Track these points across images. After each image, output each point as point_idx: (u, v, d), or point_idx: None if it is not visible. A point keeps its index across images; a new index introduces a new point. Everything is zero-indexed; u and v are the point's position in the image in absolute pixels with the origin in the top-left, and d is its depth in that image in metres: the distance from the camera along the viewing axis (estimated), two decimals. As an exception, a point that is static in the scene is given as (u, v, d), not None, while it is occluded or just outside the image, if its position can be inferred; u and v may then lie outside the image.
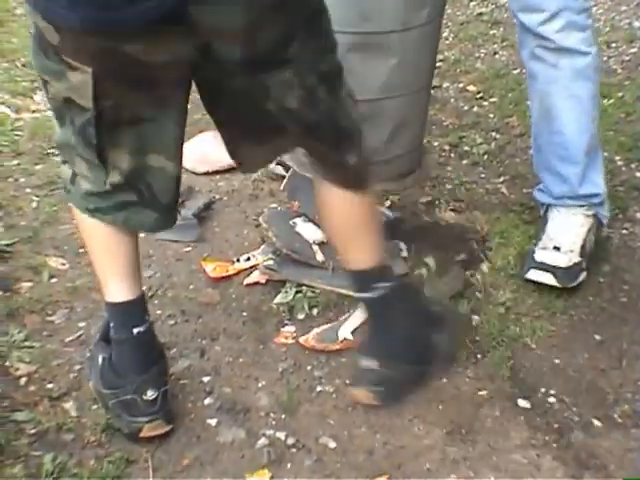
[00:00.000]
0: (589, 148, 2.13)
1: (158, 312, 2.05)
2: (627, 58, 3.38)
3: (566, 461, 1.68)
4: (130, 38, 1.29)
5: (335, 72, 1.57)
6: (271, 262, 2.13)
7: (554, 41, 2.02)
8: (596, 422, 1.78)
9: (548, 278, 2.09)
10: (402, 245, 2.22)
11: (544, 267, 2.10)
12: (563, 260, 2.10)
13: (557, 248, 2.13)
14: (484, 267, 2.19)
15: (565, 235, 2.16)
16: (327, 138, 1.60)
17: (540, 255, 2.12)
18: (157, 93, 1.44)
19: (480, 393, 1.85)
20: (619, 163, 2.66)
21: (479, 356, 1.94)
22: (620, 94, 3.06)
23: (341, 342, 1.95)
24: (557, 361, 1.94)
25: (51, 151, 2.72)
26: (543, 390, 1.86)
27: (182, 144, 1.62)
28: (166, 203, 1.63)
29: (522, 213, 2.44)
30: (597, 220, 2.22)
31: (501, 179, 2.62)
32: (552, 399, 1.84)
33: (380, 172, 2.07)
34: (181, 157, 1.63)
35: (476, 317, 2.04)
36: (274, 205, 2.47)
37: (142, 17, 1.23)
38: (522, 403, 1.82)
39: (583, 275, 2.13)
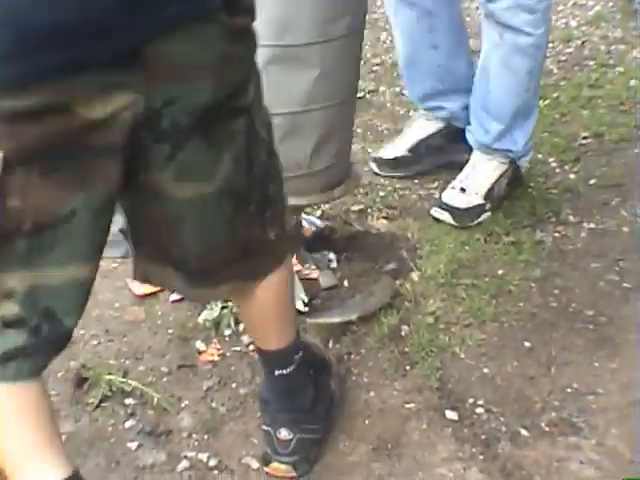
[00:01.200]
0: (517, 112, 2.35)
1: (82, 332, 2.00)
2: (563, 58, 3.37)
3: (492, 473, 1.67)
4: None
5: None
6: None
7: (499, 18, 2.22)
8: (523, 432, 1.77)
9: (446, 217, 2.36)
10: (331, 256, 2.19)
11: (445, 207, 2.34)
12: (463, 201, 2.35)
13: (463, 189, 2.38)
14: (414, 276, 2.17)
15: (474, 178, 2.40)
16: (252, 209, 1.37)
17: (445, 195, 2.40)
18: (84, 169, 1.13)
19: (407, 406, 1.83)
20: (552, 165, 2.65)
21: (407, 367, 1.93)
22: (555, 94, 3.05)
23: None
24: (486, 370, 1.93)
25: None
26: (471, 400, 1.84)
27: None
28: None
29: (455, 219, 2.42)
30: (514, 166, 2.44)
31: (435, 184, 2.60)
32: (480, 409, 1.82)
33: (306, 185, 2.04)
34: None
35: (405, 327, 2.02)
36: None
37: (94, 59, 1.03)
38: (450, 415, 1.81)
39: (484, 216, 2.37)
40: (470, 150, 2.48)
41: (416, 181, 2.62)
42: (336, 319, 2.01)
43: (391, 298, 2.07)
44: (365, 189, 2.54)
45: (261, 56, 1.87)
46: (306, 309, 2.01)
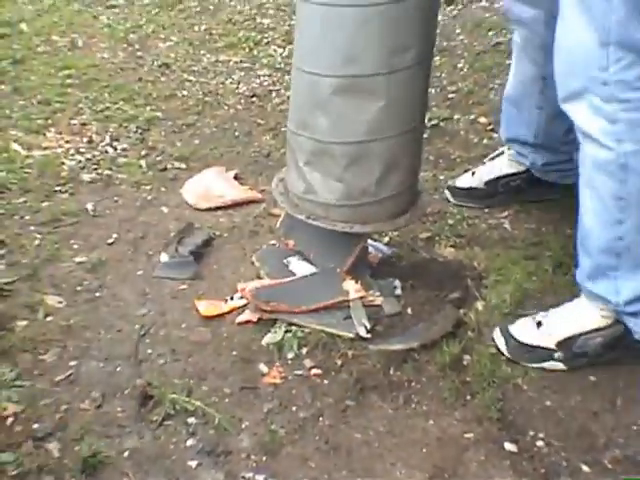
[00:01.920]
0: (610, 251, 1.87)
1: (149, 351, 2.06)
2: None
3: (550, 508, 1.65)
4: None
5: None
6: (262, 289, 2.14)
7: (575, 120, 1.84)
8: (584, 467, 1.74)
9: (501, 343, 2.02)
10: (397, 283, 2.20)
11: (504, 331, 2.04)
12: (525, 335, 2.00)
13: (540, 324, 2.01)
14: (478, 305, 2.16)
15: (560, 316, 2.02)
16: None
17: (518, 321, 2.05)
18: None
19: (466, 436, 1.81)
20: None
21: (468, 397, 1.91)
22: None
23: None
24: (548, 403, 1.90)
25: (58, 188, 2.75)
26: (532, 433, 1.82)
27: None
28: None
29: (523, 249, 2.39)
30: (621, 325, 1.96)
31: (505, 214, 2.58)
32: (540, 442, 1.80)
33: (371, 213, 2.07)
34: None
35: (467, 357, 2.01)
36: (273, 242, 2.46)
37: None
38: (509, 447, 1.79)
39: (549, 364, 1.99)
40: (552, 191, 2.41)
41: (486, 210, 2.61)
42: (398, 346, 2.01)
43: (454, 327, 2.07)
44: (434, 217, 2.55)
45: (328, 86, 1.93)
46: (368, 335, 2.02)
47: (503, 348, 2.02)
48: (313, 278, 2.15)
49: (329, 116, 1.97)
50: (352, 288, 2.10)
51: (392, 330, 2.07)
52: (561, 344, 1.98)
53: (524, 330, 2.02)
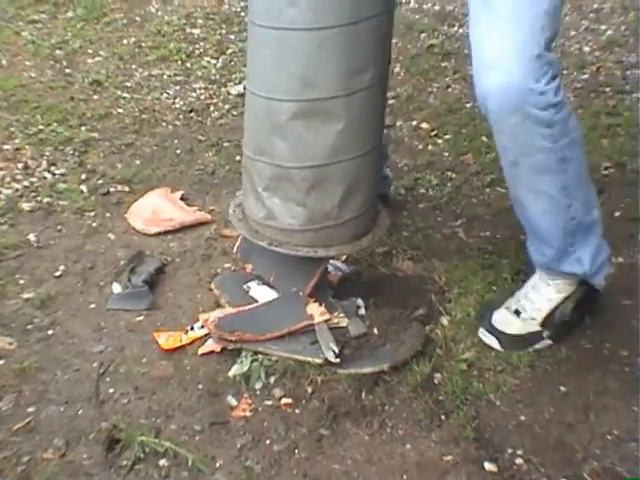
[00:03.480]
0: (568, 231, 1.96)
1: (110, 391, 1.98)
2: (579, 85, 3.35)
3: (537, 527, 1.64)
4: None
5: None
6: (225, 318, 2.08)
7: (511, 139, 1.85)
8: (565, 482, 1.73)
9: (494, 342, 2.06)
10: (359, 302, 2.16)
11: (492, 330, 2.07)
12: (515, 326, 2.06)
13: (517, 312, 2.08)
14: (444, 320, 2.14)
15: (533, 300, 2.08)
16: None
17: (497, 316, 2.09)
18: None
19: (445, 458, 1.79)
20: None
21: (443, 417, 1.89)
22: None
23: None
24: (523, 418, 1.89)
25: (-1, 220, 2.64)
26: (510, 451, 1.81)
27: None
28: None
29: (480, 258, 2.39)
30: (585, 287, 2.08)
31: (458, 222, 2.58)
32: (519, 460, 1.79)
33: (334, 236, 2.03)
34: None
35: (438, 375, 1.99)
36: (228, 265, 2.41)
37: None
38: (489, 466, 1.77)
39: (542, 344, 2.06)
40: None
41: (439, 219, 2.60)
42: (368, 369, 1.98)
43: (422, 345, 2.04)
44: (388, 229, 2.51)
45: (285, 111, 1.89)
46: (337, 360, 1.97)
47: (497, 346, 2.06)
48: (276, 304, 2.11)
49: (288, 141, 1.92)
50: (316, 311, 2.05)
51: (360, 352, 2.04)
52: (544, 323, 2.07)
53: (508, 323, 2.07)
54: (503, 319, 2.07)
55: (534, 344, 2.06)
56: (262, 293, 2.15)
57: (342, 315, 2.09)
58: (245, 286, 2.17)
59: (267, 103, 1.92)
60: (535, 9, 1.75)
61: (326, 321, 2.04)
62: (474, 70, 1.82)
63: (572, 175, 1.91)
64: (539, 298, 2.09)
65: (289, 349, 2.01)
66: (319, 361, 1.98)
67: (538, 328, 2.06)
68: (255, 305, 2.12)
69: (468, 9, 1.86)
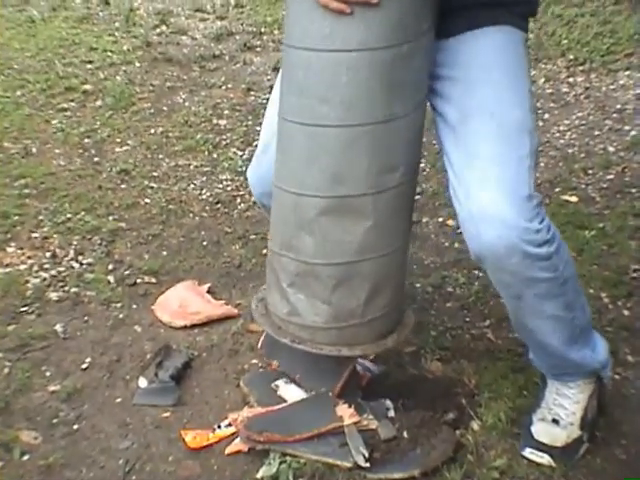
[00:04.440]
0: (575, 339, 1.97)
1: (135, 490, 1.96)
2: (605, 185, 3.37)
3: None
4: None
5: None
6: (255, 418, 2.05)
7: (511, 275, 1.82)
8: None
9: (546, 460, 2.01)
10: (388, 403, 2.14)
11: (541, 447, 2.02)
12: (561, 437, 2.02)
13: (555, 421, 2.04)
14: (474, 425, 2.11)
15: (564, 404, 2.05)
16: None
17: (537, 430, 2.04)
18: None
19: None
20: (605, 300, 2.61)
21: (475, 526, 1.85)
22: (601, 224, 3.04)
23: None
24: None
25: (24, 309, 2.64)
26: None
27: None
28: None
29: (510, 360, 2.36)
30: (601, 383, 2.10)
31: (487, 323, 2.56)
32: None
33: (359, 335, 2.01)
34: None
35: (470, 483, 1.95)
36: (254, 361, 2.40)
37: None
38: None
39: (584, 448, 2.04)
40: None
41: (467, 319, 2.59)
42: (398, 474, 1.94)
43: (453, 451, 2.01)
44: (416, 328, 2.50)
45: (313, 207, 1.88)
46: (367, 464, 1.94)
47: (550, 462, 2.00)
48: (304, 404, 2.08)
49: (315, 237, 1.91)
50: (346, 413, 2.03)
51: (390, 456, 2.00)
52: (582, 426, 2.05)
53: (554, 435, 2.03)
54: (547, 432, 2.03)
55: (579, 450, 2.03)
56: (290, 392, 2.13)
57: (371, 417, 2.06)
58: (273, 385, 2.16)
59: (295, 198, 1.90)
60: (519, 151, 1.78)
61: (355, 423, 2.02)
62: (464, 219, 1.81)
63: (571, 291, 1.93)
64: (568, 402, 2.06)
65: (318, 451, 1.98)
66: (348, 465, 1.95)
67: (579, 432, 2.04)
68: (284, 405, 2.10)
69: (447, 160, 1.87)
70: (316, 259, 1.93)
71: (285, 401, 2.12)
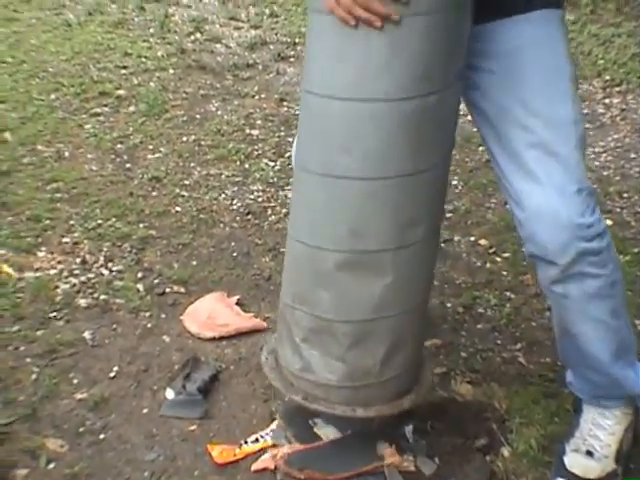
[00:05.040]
0: (619, 355, 1.93)
1: (162, 504, 1.94)
2: (640, 210, 3.34)
3: None
4: None
5: None
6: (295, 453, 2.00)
7: (562, 271, 1.81)
8: None
9: None
10: (409, 428, 2.07)
11: (573, 478, 1.97)
12: (595, 470, 1.97)
13: (590, 453, 1.99)
14: (505, 452, 2.08)
15: (599, 436, 2.01)
16: None
17: (570, 461, 1.99)
18: None
19: None
20: None
21: None
22: (636, 250, 3.00)
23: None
24: None
25: (53, 315, 2.64)
26: None
27: None
28: None
29: (542, 385, 2.33)
30: (637, 415, 2.06)
31: (518, 346, 2.53)
32: None
33: (374, 395, 1.93)
34: None
35: (501, 512, 1.92)
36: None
37: None
38: None
39: None
40: None
41: (498, 342, 2.56)
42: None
43: (486, 480, 1.98)
44: (446, 349, 2.48)
45: (331, 261, 1.79)
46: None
47: None
48: (345, 442, 2.02)
49: (331, 292, 1.81)
50: (386, 452, 1.98)
51: (423, 485, 1.97)
52: (617, 459, 2.00)
53: (588, 468, 1.98)
54: (580, 464, 1.98)
55: None
56: (328, 431, 2.06)
57: (411, 458, 2.00)
58: (311, 422, 2.08)
59: (311, 251, 1.82)
60: (566, 147, 1.76)
61: (396, 463, 1.97)
62: (518, 220, 1.82)
63: (619, 297, 1.92)
64: (604, 434, 2.02)
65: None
66: None
67: (614, 466, 1.99)
68: (324, 442, 2.04)
69: (492, 159, 1.86)
70: (332, 315, 1.84)
71: (322, 439, 2.06)
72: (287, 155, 3.89)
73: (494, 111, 1.81)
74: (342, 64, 1.65)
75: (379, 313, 1.83)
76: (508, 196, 1.85)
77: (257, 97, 4.68)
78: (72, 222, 3.22)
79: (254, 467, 2.04)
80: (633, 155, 3.80)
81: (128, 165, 3.78)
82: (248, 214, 3.38)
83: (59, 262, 2.95)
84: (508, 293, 2.81)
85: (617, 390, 1.99)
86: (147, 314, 2.69)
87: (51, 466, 2.05)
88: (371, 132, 1.67)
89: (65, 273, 2.89)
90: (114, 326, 2.62)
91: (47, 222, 3.21)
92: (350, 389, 1.91)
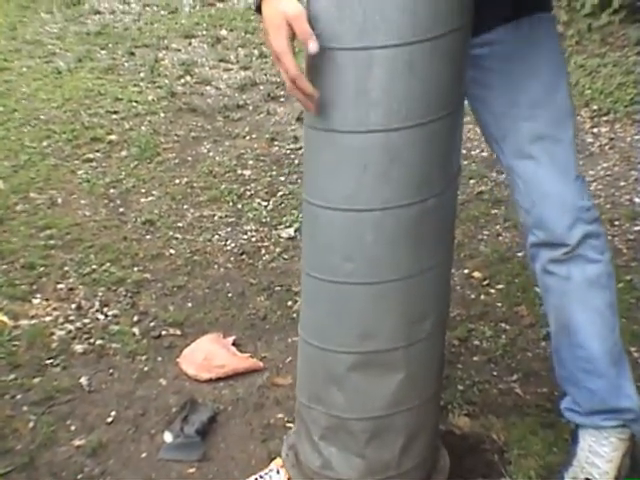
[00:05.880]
0: (614, 359, 2.00)
1: None
2: (631, 237, 3.35)
3: None
4: None
5: None
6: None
7: (566, 253, 1.93)
8: None
9: None
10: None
11: None
12: None
13: None
14: (505, 484, 2.08)
15: (597, 463, 2.01)
16: None
17: None
18: None
19: None
20: (635, 355, 2.58)
21: None
22: (628, 277, 3.01)
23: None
24: None
25: (50, 361, 2.64)
26: None
27: None
28: None
29: (539, 416, 2.33)
30: (633, 440, 2.07)
31: (514, 377, 2.53)
32: None
33: None
34: None
35: None
36: (280, 415, 2.38)
37: None
38: None
39: None
40: None
41: (494, 373, 2.56)
42: None
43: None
44: (443, 382, 2.48)
45: (343, 362, 1.80)
46: None
47: None
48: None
49: (346, 392, 1.83)
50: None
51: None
52: None
53: None
54: None
55: None
56: None
57: None
58: None
59: (323, 354, 1.83)
60: (567, 134, 1.91)
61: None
62: (527, 209, 1.96)
63: (615, 294, 2.02)
64: (601, 461, 2.02)
65: None
66: None
67: None
68: None
69: (499, 151, 1.98)
70: (348, 414, 1.85)
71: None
72: (280, 194, 3.92)
73: (498, 103, 1.92)
74: (340, 177, 1.66)
75: (395, 408, 1.83)
76: (514, 186, 1.97)
77: (248, 137, 4.71)
78: (67, 268, 3.23)
79: (256, 510, 2.04)
80: (623, 183, 3.83)
81: (121, 209, 3.80)
82: (242, 254, 3.39)
83: (54, 309, 2.96)
84: (503, 324, 2.82)
85: (613, 401, 2.01)
86: (143, 357, 2.69)
87: (50, 515, 2.05)
88: (373, 240, 1.69)
89: (61, 319, 2.89)
90: (111, 371, 2.62)
91: (41, 269, 3.22)
92: None
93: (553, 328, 2.06)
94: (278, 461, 2.12)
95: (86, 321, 2.89)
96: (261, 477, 2.12)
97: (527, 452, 2.18)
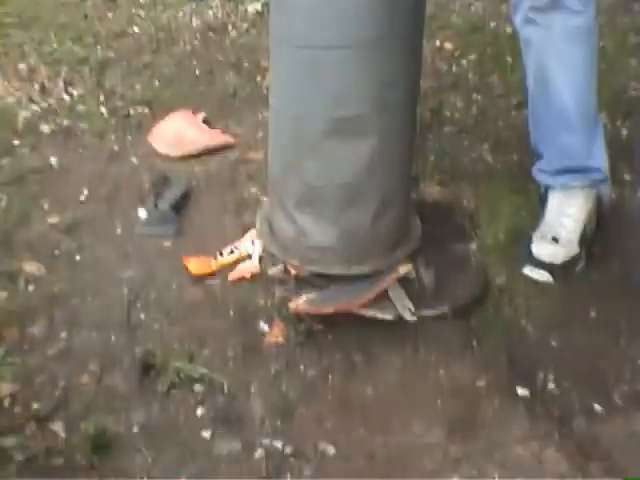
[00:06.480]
0: (588, 117, 2.07)
1: (142, 316, 1.99)
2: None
3: (569, 452, 1.66)
4: None
5: None
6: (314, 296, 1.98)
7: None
8: (597, 407, 1.76)
9: (545, 276, 2.05)
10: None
11: (541, 264, 2.05)
12: (561, 254, 2.05)
13: (555, 239, 2.07)
14: (474, 246, 2.14)
15: (564, 223, 2.08)
16: None
17: (537, 248, 2.06)
18: None
19: (478, 383, 1.81)
20: (604, 120, 2.57)
21: (475, 343, 1.90)
22: (601, 43, 2.94)
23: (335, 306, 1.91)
24: (554, 343, 1.91)
25: (17, 142, 2.61)
26: (542, 376, 1.83)
27: None
28: None
29: (508, 182, 2.36)
30: (599, 200, 2.14)
31: (485, 146, 2.55)
32: (551, 385, 1.81)
33: (368, 252, 1.96)
34: None
35: (470, 301, 2.00)
36: (253, 190, 2.39)
37: None
38: (521, 392, 1.79)
39: (581, 265, 2.08)
40: None
41: (465, 143, 2.57)
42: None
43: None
44: (415, 153, 2.49)
45: (317, 130, 1.80)
46: (414, 318, 1.94)
47: (550, 279, 2.05)
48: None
49: (319, 159, 1.84)
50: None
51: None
52: (580, 243, 2.09)
53: (554, 253, 2.06)
54: (547, 250, 2.06)
55: (576, 267, 2.07)
56: None
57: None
58: None
59: (296, 123, 1.84)
60: None
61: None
62: None
63: (594, 51, 2.05)
64: (568, 220, 2.10)
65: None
66: (391, 318, 1.94)
67: (578, 250, 2.07)
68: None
69: None
70: (322, 181, 1.86)
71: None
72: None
73: None
74: None
75: (368, 174, 1.85)
76: None
77: None
78: (26, 47, 3.13)
79: (231, 277, 2.09)
80: None
81: (80, -13, 3.64)
82: (208, 30, 3.29)
83: (17, 89, 2.89)
84: (474, 95, 2.81)
85: (583, 159, 2.09)
86: (113, 137, 2.66)
87: (30, 288, 2.08)
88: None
89: (24, 100, 2.83)
90: (80, 150, 2.60)
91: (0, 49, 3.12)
92: (344, 249, 1.94)
93: (531, 85, 2.08)
94: (252, 232, 2.16)
95: (51, 101, 2.83)
96: (236, 247, 2.16)
97: (496, 216, 2.23)
